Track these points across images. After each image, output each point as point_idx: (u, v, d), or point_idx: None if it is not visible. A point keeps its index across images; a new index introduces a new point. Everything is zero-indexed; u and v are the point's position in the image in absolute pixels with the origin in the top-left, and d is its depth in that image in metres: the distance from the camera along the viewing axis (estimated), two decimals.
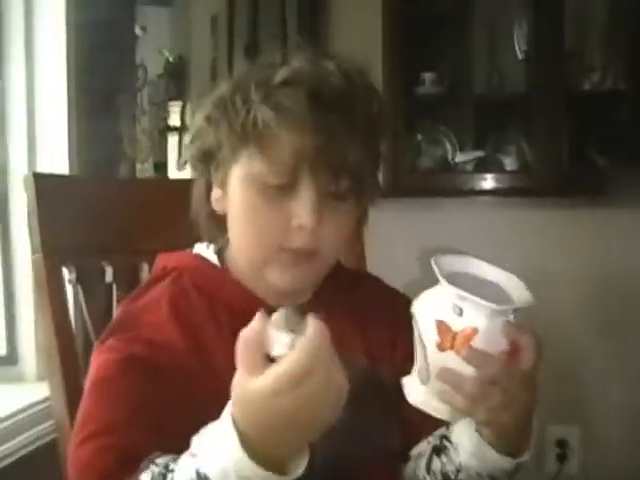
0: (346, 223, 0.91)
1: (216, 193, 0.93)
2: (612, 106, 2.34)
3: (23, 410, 1.46)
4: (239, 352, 0.65)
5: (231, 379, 0.72)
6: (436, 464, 0.94)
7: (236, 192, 0.89)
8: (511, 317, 0.77)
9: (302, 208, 0.85)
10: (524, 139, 2.46)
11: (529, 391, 0.77)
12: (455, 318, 0.76)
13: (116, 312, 0.98)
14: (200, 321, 0.92)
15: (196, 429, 0.72)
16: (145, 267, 1.22)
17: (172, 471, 0.72)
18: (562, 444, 2.48)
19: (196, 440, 0.70)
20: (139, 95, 2.01)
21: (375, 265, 1.35)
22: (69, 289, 1.18)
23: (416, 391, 0.82)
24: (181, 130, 2.37)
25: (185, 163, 0.98)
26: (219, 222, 0.94)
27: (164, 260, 1.01)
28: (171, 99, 2.38)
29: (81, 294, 1.20)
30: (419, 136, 2.54)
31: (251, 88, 0.85)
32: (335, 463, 0.90)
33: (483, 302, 0.74)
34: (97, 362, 0.89)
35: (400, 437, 0.97)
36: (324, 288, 0.99)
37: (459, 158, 2.50)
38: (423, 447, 0.97)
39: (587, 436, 2.47)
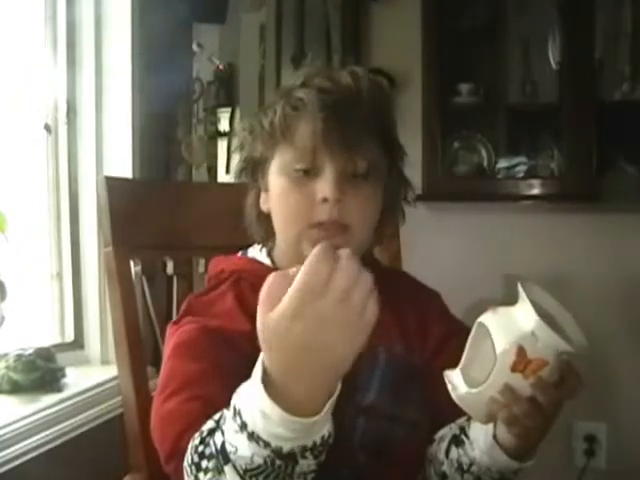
0: (369, 200, 1.00)
1: (263, 196, 1.05)
2: None
3: (90, 389, 1.55)
4: (262, 297, 0.67)
5: None
6: (453, 453, 1.00)
7: (273, 184, 1.01)
8: (566, 354, 0.82)
9: (324, 183, 0.95)
10: (556, 147, 2.48)
11: (556, 417, 0.86)
12: (532, 346, 0.81)
13: (183, 305, 1.05)
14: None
15: None
16: (201, 261, 1.33)
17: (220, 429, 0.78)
18: (590, 439, 2.50)
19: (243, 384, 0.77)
20: (195, 105, 2.08)
21: (411, 264, 1.40)
22: (135, 279, 1.30)
23: (462, 390, 0.85)
24: (230, 135, 2.39)
25: (238, 174, 1.08)
26: (267, 222, 1.04)
27: (221, 264, 1.09)
28: (221, 105, 2.39)
29: (145, 284, 1.32)
30: (455, 143, 2.58)
31: (278, 100, 0.99)
32: (372, 439, 0.99)
33: (561, 341, 0.80)
34: (177, 333, 0.98)
35: (428, 420, 1.04)
36: None
37: (501, 164, 2.52)
38: (445, 432, 1.04)
39: (614, 431, 2.48)
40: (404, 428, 1.01)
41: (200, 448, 0.77)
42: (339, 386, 0.69)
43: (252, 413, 0.69)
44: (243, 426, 0.70)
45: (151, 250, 1.31)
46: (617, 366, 2.43)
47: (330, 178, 0.95)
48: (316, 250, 0.66)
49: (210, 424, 0.78)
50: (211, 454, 0.75)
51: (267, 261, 1.07)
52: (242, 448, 0.71)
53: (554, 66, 2.47)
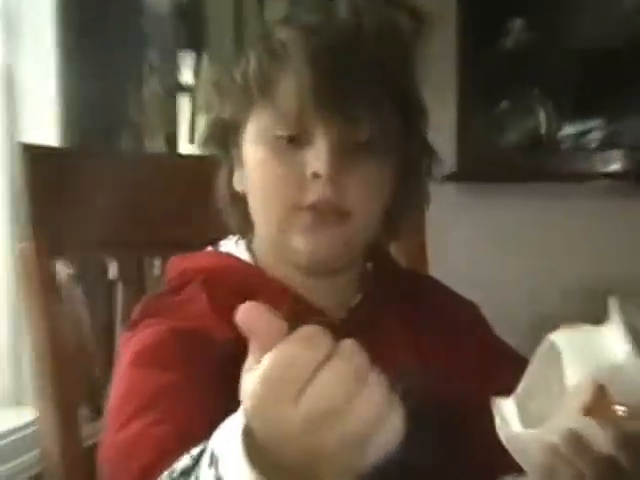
0: (374, 178, 1.01)
1: (237, 173, 1.07)
2: None
3: None
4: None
5: None
6: None
7: (249, 156, 1.03)
8: None
9: (315, 155, 0.97)
10: None
11: None
12: (618, 386, 0.79)
13: (136, 308, 1.07)
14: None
15: None
16: (157, 263, 1.32)
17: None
18: None
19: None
20: (147, 48, 2.06)
21: (439, 265, 1.43)
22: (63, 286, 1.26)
23: (514, 428, 0.86)
24: (195, 90, 2.40)
25: (204, 144, 1.11)
26: (244, 207, 1.06)
27: (183, 263, 1.11)
28: (182, 49, 2.39)
29: (80, 293, 1.29)
30: (503, 103, 2.61)
31: (253, 48, 1.01)
32: None
33: None
34: (134, 339, 0.99)
35: (458, 473, 1.05)
36: (374, 285, 1.10)
37: (565, 131, 2.56)
38: None
39: None
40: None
41: None
42: None
43: (230, 470, 0.67)
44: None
45: (86, 247, 1.31)
46: None
47: (323, 148, 0.97)
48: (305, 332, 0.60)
49: (185, 462, 0.77)
50: None
51: (245, 256, 1.09)
52: None
53: None
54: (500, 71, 2.54)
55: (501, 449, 0.85)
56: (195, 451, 0.76)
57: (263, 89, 0.99)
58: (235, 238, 1.12)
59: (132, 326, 1.03)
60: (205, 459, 0.71)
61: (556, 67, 2.59)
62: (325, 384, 0.59)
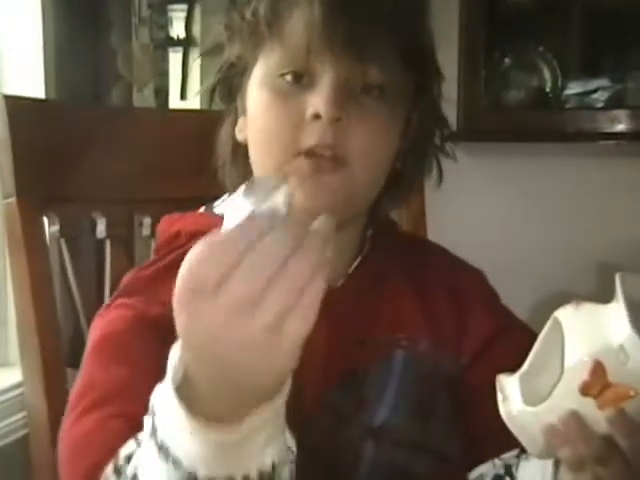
0: (381, 126, 0.98)
1: (240, 122, 1.05)
2: None
3: None
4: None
5: None
6: None
7: (252, 99, 1.01)
8: None
9: (318, 95, 0.94)
10: None
11: None
12: (618, 366, 0.79)
13: (124, 279, 1.05)
14: None
15: None
16: (146, 221, 1.32)
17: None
18: None
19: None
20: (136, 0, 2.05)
21: (439, 230, 1.42)
22: (50, 244, 1.27)
23: (516, 406, 0.86)
24: (187, 44, 2.38)
25: (210, 94, 1.09)
26: (245, 159, 1.04)
27: (177, 224, 1.09)
28: (173, 1, 2.35)
29: (66, 251, 1.29)
30: (507, 60, 2.58)
31: None
32: (383, 473, 0.99)
33: None
34: (103, 321, 0.98)
35: (462, 449, 1.05)
36: (374, 250, 1.08)
37: (570, 89, 2.54)
38: (485, 470, 1.04)
39: None
40: (428, 459, 1.02)
41: None
42: (282, 399, 0.67)
43: (163, 416, 0.69)
44: (153, 432, 0.69)
45: (74, 203, 1.31)
46: None
47: (326, 87, 0.94)
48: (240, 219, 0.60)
49: (129, 447, 0.77)
50: None
51: None
52: (153, 471, 0.70)
53: None
54: (504, 26, 2.52)
55: (503, 426, 0.85)
56: (141, 435, 0.76)
57: (272, 25, 0.97)
58: (230, 199, 1.09)
59: (108, 304, 1.01)
60: (146, 431, 0.71)
61: (561, 25, 2.56)
62: (243, 273, 0.58)
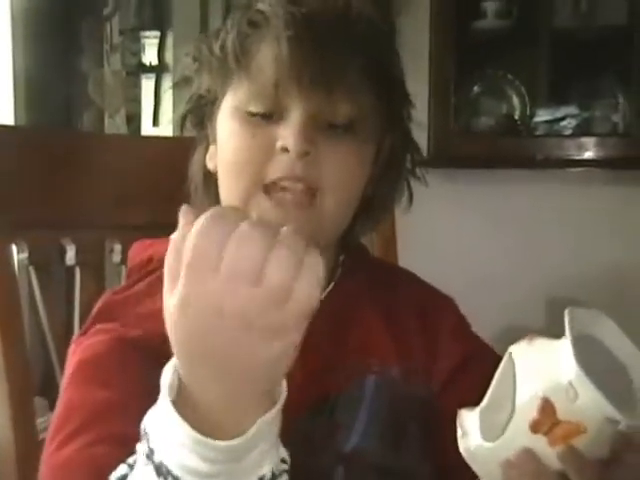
0: (352, 159, 0.98)
1: (211, 150, 1.04)
2: None
3: None
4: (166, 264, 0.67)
5: None
6: None
7: (221, 130, 1.01)
8: (624, 423, 0.80)
9: (287, 129, 0.94)
10: (621, 91, 2.50)
11: None
12: (566, 403, 0.80)
13: (94, 307, 1.04)
14: None
15: None
16: (117, 247, 1.30)
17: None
18: None
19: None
20: (108, 25, 2.05)
21: (409, 255, 1.41)
22: (18, 271, 1.25)
23: (473, 441, 0.86)
24: (159, 70, 2.38)
25: (180, 122, 1.08)
26: (214, 187, 1.03)
27: (149, 250, 1.08)
28: (145, 28, 2.37)
29: (35, 278, 1.27)
30: (476, 87, 2.60)
31: (233, 10, 1.02)
32: None
33: (608, 405, 0.77)
34: (81, 347, 0.96)
35: (433, 475, 1.05)
36: (345, 275, 1.07)
37: (539, 116, 2.55)
38: None
39: None
40: None
41: None
42: (278, 406, 0.69)
43: (159, 436, 0.69)
44: (150, 454, 0.70)
45: (43, 230, 1.29)
46: None
47: (295, 121, 0.94)
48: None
49: (121, 470, 0.76)
50: None
51: None
52: None
53: None
54: (474, 54, 2.53)
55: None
56: (132, 459, 0.76)
57: (240, 60, 0.97)
58: None
59: (85, 330, 1.00)
60: (141, 456, 0.72)
61: (529, 53, 2.58)
62: (241, 243, 0.61)
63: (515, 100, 2.61)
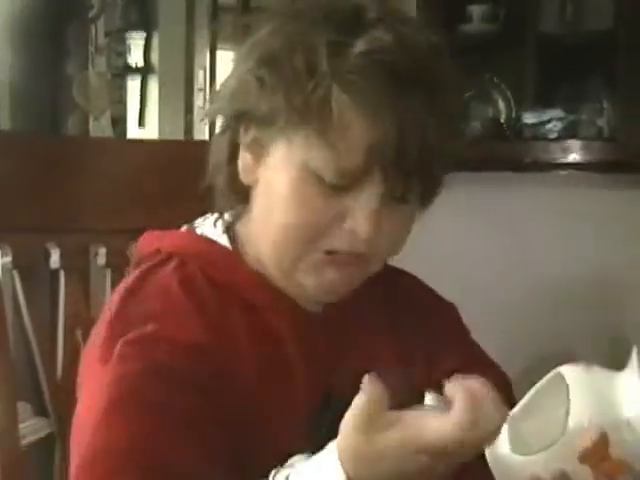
0: (406, 228, 0.99)
1: (245, 159, 0.99)
2: None
3: None
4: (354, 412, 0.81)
5: (255, 384, 0.92)
6: None
7: (283, 175, 0.95)
8: None
9: (362, 215, 0.92)
10: (606, 95, 2.50)
11: None
12: (621, 441, 0.79)
13: (109, 305, 1.01)
14: (217, 317, 0.98)
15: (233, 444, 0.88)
16: (102, 251, 1.30)
17: None
18: None
19: (283, 473, 0.84)
20: (93, 27, 2.03)
21: (402, 257, 1.40)
22: (2, 275, 1.23)
23: (503, 450, 0.85)
24: (145, 72, 2.37)
25: (209, 117, 1.07)
26: (240, 192, 1.01)
27: (156, 242, 1.06)
28: (131, 28, 2.39)
29: (19, 282, 1.26)
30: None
31: (318, 53, 0.90)
32: None
33: None
34: (111, 376, 0.92)
35: None
36: None
37: (527, 119, 2.55)
38: None
39: None
40: None
41: None
42: None
43: None
44: None
45: (27, 233, 1.27)
46: None
47: (372, 206, 0.93)
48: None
49: None
50: None
51: (224, 240, 1.05)
52: None
53: None
54: (460, 57, 2.50)
55: (476, 463, 0.85)
56: None
57: (327, 127, 0.90)
58: (213, 218, 1.07)
59: (104, 350, 0.95)
60: None
61: (515, 57, 2.58)
62: None
63: (501, 104, 2.61)
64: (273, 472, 0.84)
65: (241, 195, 1.02)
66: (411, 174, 0.93)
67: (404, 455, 0.78)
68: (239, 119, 0.98)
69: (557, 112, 2.54)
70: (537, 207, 2.54)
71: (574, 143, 2.47)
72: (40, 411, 1.29)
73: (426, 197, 0.99)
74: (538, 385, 0.86)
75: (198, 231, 1.07)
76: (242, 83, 0.96)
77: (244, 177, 1.00)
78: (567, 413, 0.81)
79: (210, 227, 1.06)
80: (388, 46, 0.90)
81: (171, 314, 0.97)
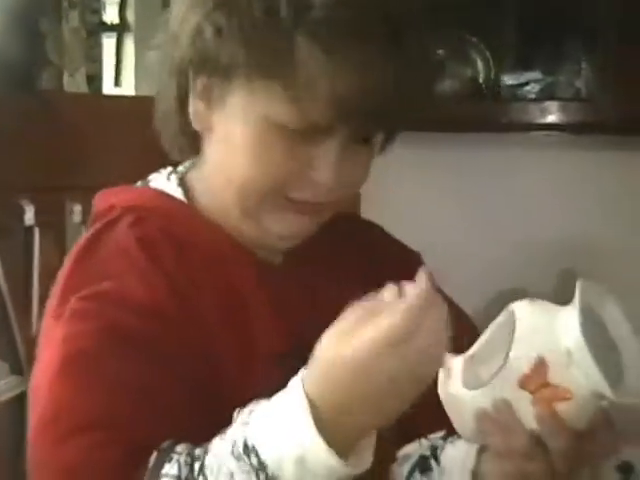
0: (366, 170, 1.01)
1: (197, 105, 1.00)
2: None
3: None
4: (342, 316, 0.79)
5: (219, 340, 0.92)
6: None
7: (243, 125, 0.96)
8: (610, 401, 0.83)
9: (324, 162, 0.94)
10: (585, 56, 2.49)
11: (572, 476, 0.87)
12: (559, 367, 0.82)
13: (66, 266, 1.01)
14: (175, 272, 0.99)
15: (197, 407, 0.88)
16: (77, 208, 1.30)
17: (198, 458, 0.82)
18: (626, 469, 2.57)
19: (246, 411, 0.82)
20: None
21: (373, 218, 1.41)
22: None
23: (454, 386, 0.88)
24: (121, 29, 2.35)
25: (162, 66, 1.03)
26: (191, 140, 1.02)
27: (111, 198, 1.06)
28: None
29: None
30: (440, 51, 2.57)
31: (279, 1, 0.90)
32: None
33: (602, 380, 0.80)
34: (63, 332, 0.93)
35: (394, 427, 1.06)
36: (314, 234, 1.07)
37: (505, 80, 2.54)
38: (411, 450, 1.07)
39: None
40: None
41: None
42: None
43: (280, 453, 0.77)
44: (260, 468, 0.77)
45: (1, 191, 1.29)
46: None
47: (333, 157, 0.95)
48: (422, 298, 0.78)
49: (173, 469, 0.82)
50: None
51: (178, 194, 1.06)
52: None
53: None
54: (436, 15, 2.50)
55: (436, 403, 0.88)
56: (182, 458, 0.82)
57: (290, 79, 0.91)
58: (166, 172, 1.08)
59: (57, 305, 0.96)
60: (224, 451, 0.80)
61: (494, 16, 2.55)
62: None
63: (480, 64, 2.59)
64: (237, 410, 0.84)
65: (192, 142, 1.03)
66: (373, 120, 0.95)
67: (371, 358, 0.76)
68: (192, 67, 0.97)
69: (535, 74, 2.54)
70: (514, 168, 2.54)
71: (552, 104, 2.46)
72: (16, 369, 1.29)
73: (387, 140, 1.02)
74: (492, 324, 0.89)
75: (152, 185, 1.07)
76: (197, 29, 0.94)
77: (195, 124, 1.00)
78: (510, 345, 0.84)
79: (164, 181, 1.07)
80: None
81: (128, 273, 0.96)
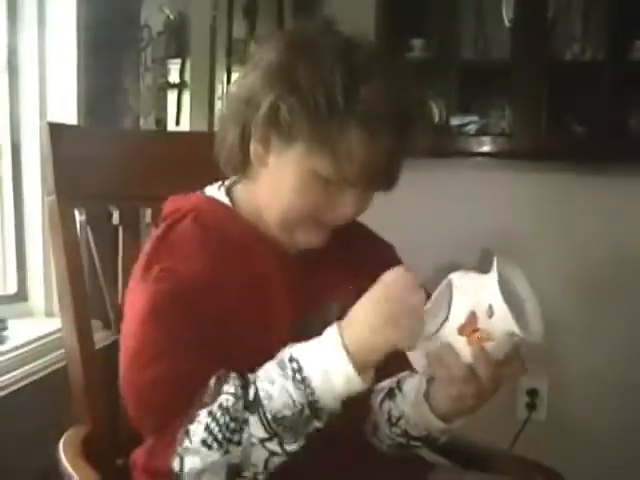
0: (371, 202, 1.01)
1: (257, 148, 0.98)
2: (591, 76, 2.37)
3: (34, 341, 1.51)
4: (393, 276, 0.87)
5: (242, 320, 0.91)
6: (386, 405, 1.05)
7: (293, 170, 0.95)
8: (519, 337, 0.84)
9: (350, 203, 0.97)
10: (507, 105, 2.50)
11: (494, 393, 0.89)
12: (485, 317, 0.84)
13: (147, 247, 1.03)
14: (219, 258, 1.00)
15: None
16: (147, 212, 1.31)
17: (249, 379, 0.87)
18: (532, 393, 2.59)
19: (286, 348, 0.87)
20: (143, 54, 2.01)
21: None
22: (80, 229, 1.26)
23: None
24: (180, 87, 2.36)
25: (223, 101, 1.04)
26: (246, 163, 1.01)
27: (178, 202, 1.07)
28: (170, 57, 2.31)
29: (90, 234, 1.28)
30: None
31: (335, 90, 0.89)
32: None
33: (514, 324, 0.82)
34: (148, 292, 0.95)
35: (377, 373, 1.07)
36: None
37: (454, 121, 2.55)
38: (385, 384, 1.07)
39: (555, 387, 2.57)
40: None
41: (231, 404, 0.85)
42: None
43: (323, 368, 0.84)
44: (298, 370, 0.85)
45: (96, 199, 1.29)
46: (560, 325, 2.46)
47: (356, 201, 0.97)
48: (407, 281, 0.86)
49: (226, 400, 0.86)
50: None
51: (225, 200, 1.06)
52: (281, 396, 0.84)
53: (507, 23, 2.47)
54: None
55: (402, 356, 0.89)
56: (230, 389, 0.86)
57: (334, 147, 0.91)
58: (217, 184, 1.08)
59: (144, 272, 0.98)
60: (273, 368, 0.86)
61: (445, 75, 2.55)
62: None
63: (435, 109, 2.59)
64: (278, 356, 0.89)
65: (245, 166, 1.02)
66: (386, 180, 0.97)
67: (375, 307, 0.85)
68: (261, 126, 0.96)
69: (474, 117, 2.55)
70: (459, 183, 2.55)
71: (485, 138, 2.48)
72: (107, 325, 1.30)
73: (389, 188, 1.01)
74: (436, 290, 0.89)
75: (207, 193, 1.08)
76: (273, 105, 0.93)
77: (256, 162, 0.99)
78: (449, 305, 0.86)
79: (215, 191, 1.08)
80: (382, 97, 0.90)
81: (188, 255, 0.98)
